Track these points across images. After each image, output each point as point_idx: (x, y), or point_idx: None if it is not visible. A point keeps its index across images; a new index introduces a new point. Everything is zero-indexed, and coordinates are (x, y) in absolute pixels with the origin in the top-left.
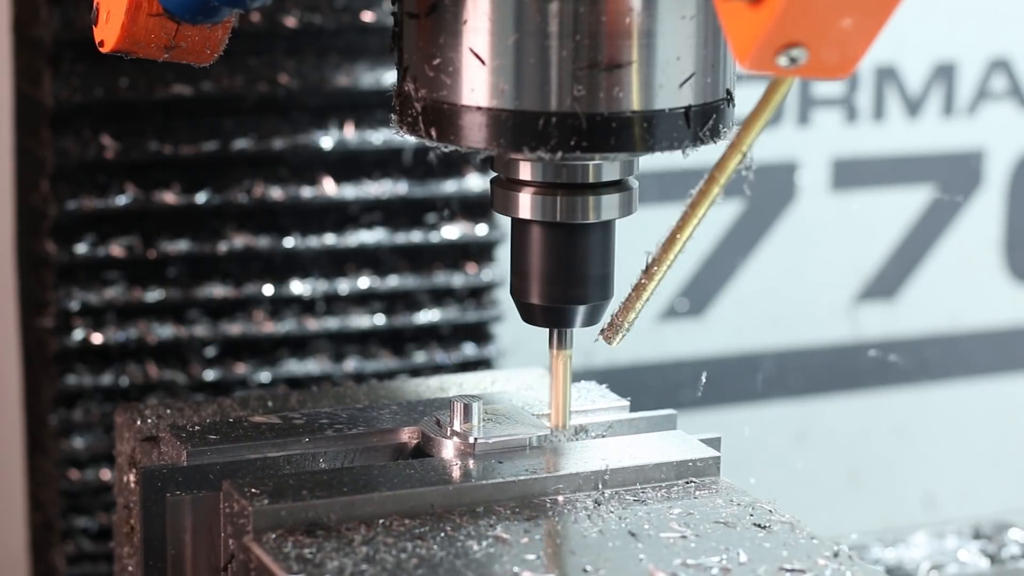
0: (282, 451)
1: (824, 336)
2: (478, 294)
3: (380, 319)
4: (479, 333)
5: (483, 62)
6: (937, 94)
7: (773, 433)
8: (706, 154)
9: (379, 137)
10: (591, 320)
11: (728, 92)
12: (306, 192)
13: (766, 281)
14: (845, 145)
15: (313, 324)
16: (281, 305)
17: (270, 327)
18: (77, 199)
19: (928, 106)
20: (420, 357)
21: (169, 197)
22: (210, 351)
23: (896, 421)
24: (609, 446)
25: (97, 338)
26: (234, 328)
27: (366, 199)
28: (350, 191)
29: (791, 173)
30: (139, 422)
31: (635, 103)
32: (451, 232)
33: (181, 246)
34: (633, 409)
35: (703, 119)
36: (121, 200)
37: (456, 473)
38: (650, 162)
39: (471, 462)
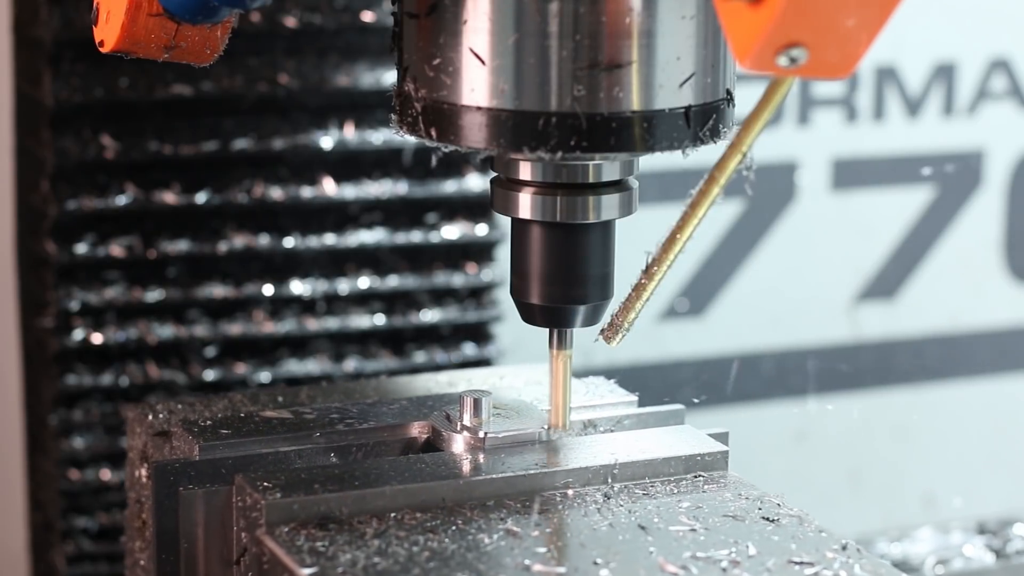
0: (293, 445)
1: (824, 336)
2: (478, 294)
3: (380, 319)
4: (479, 333)
5: (483, 62)
6: (937, 94)
7: (773, 433)
8: (706, 154)
9: (379, 137)
10: (591, 320)
11: (728, 92)
12: (306, 192)
13: (766, 281)
14: (845, 145)
15: (313, 324)
16: (281, 305)
17: (270, 327)
18: (77, 199)
19: (928, 106)
20: (420, 357)
21: (169, 197)
22: (210, 351)
23: (896, 421)
24: (618, 440)
25: (97, 338)
26: (234, 328)
27: (366, 199)
28: (350, 191)
29: (791, 173)
30: (150, 417)
31: (635, 103)
32: (451, 232)
33: (181, 246)
34: None
35: (703, 119)
36: (121, 200)
37: (466, 467)
38: (650, 162)
39: (481, 456)
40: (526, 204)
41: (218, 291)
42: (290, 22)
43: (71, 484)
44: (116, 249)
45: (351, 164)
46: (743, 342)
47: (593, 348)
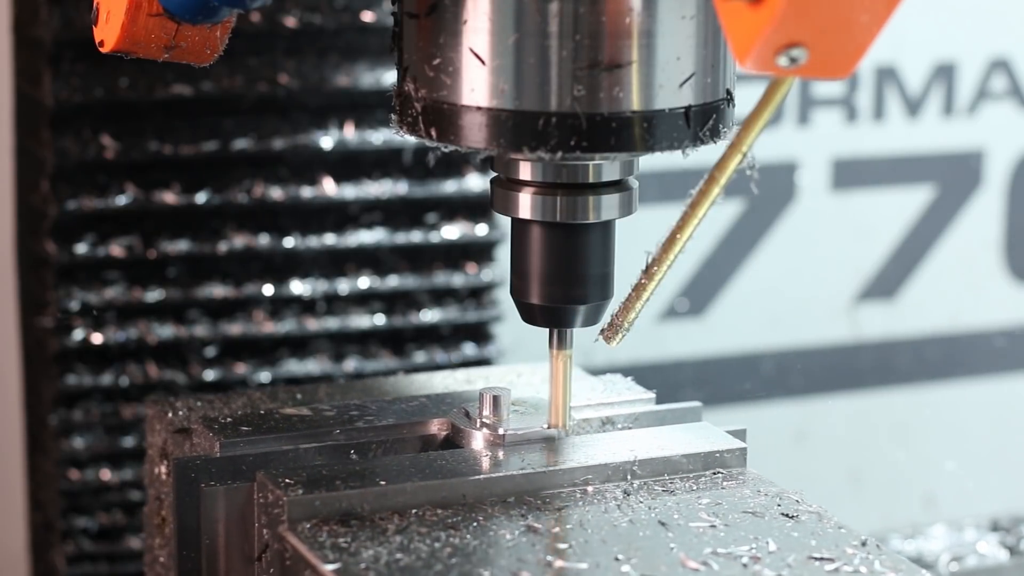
0: (313, 442)
1: (824, 336)
2: (478, 294)
3: (380, 319)
4: (479, 333)
5: (483, 62)
6: (937, 94)
7: (773, 433)
8: (706, 154)
9: (379, 137)
10: (591, 320)
11: (728, 92)
12: (306, 192)
13: (766, 281)
14: (845, 145)
15: (313, 324)
16: (281, 305)
17: (270, 327)
18: (77, 199)
19: (928, 106)
20: (420, 357)
21: (169, 197)
22: (210, 351)
23: (896, 421)
24: (637, 437)
25: (97, 338)
26: (234, 328)
27: (366, 199)
28: (350, 191)
29: (791, 173)
30: (170, 414)
31: (635, 103)
32: (451, 232)
33: (181, 246)
34: None
35: (703, 119)
36: (121, 200)
37: (487, 464)
38: (650, 162)
39: (501, 453)
40: (526, 204)
41: (218, 291)
42: (290, 22)
43: (71, 484)
44: (116, 249)
45: (351, 164)
46: (743, 342)
47: (593, 348)
